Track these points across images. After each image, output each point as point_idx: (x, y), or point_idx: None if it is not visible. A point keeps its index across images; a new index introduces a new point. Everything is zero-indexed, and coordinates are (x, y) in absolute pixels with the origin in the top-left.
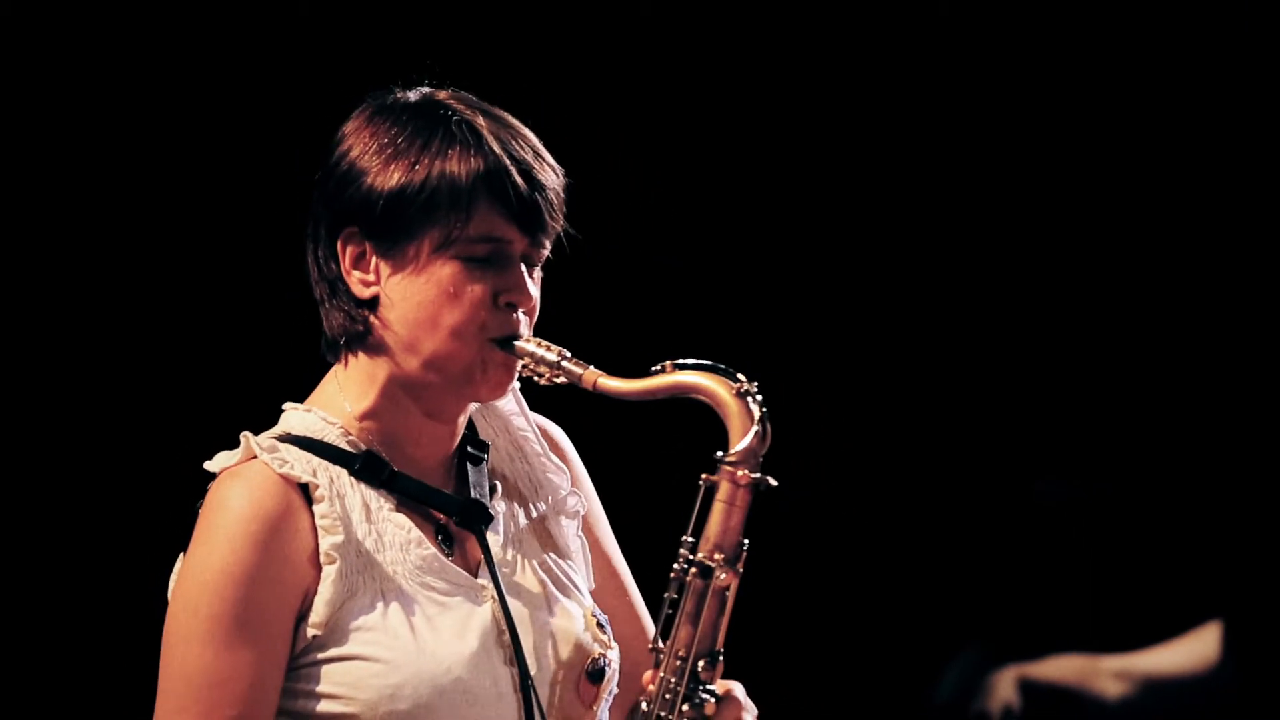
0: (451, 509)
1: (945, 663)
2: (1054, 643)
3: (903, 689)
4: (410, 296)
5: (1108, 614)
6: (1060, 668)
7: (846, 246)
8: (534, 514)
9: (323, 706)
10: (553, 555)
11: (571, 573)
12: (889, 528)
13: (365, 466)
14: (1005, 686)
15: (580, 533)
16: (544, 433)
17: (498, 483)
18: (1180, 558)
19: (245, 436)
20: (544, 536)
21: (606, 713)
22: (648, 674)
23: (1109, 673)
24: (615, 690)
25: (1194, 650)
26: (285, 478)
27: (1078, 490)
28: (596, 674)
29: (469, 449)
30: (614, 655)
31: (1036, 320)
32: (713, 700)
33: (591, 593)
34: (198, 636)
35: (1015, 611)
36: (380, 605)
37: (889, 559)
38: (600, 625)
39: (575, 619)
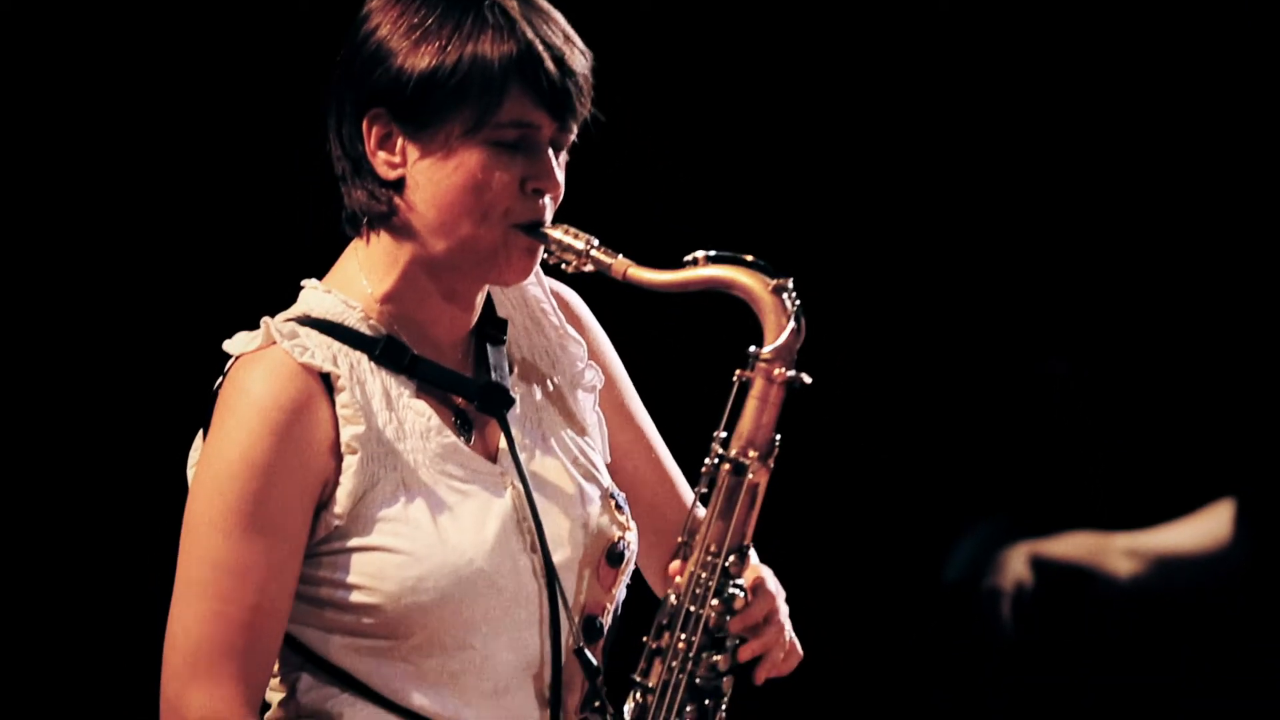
0: (471, 393)
1: (957, 540)
2: (1066, 520)
3: (914, 566)
4: (438, 181)
5: (1120, 491)
6: (1072, 545)
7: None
8: (550, 389)
9: (347, 596)
10: (570, 433)
11: (589, 450)
12: (899, 407)
13: (386, 352)
14: (1017, 563)
15: (597, 407)
16: (560, 300)
17: (514, 363)
18: (1193, 435)
19: (265, 322)
20: (562, 412)
21: (624, 593)
22: (675, 564)
23: (1120, 550)
24: (633, 568)
25: (1206, 528)
26: (306, 366)
27: (1089, 368)
28: (615, 557)
29: (487, 328)
30: (632, 537)
31: (1042, 197)
32: (742, 595)
33: (618, 458)
34: (217, 526)
35: (1027, 489)
36: (402, 495)
37: (899, 438)
38: (618, 506)
39: (594, 502)
